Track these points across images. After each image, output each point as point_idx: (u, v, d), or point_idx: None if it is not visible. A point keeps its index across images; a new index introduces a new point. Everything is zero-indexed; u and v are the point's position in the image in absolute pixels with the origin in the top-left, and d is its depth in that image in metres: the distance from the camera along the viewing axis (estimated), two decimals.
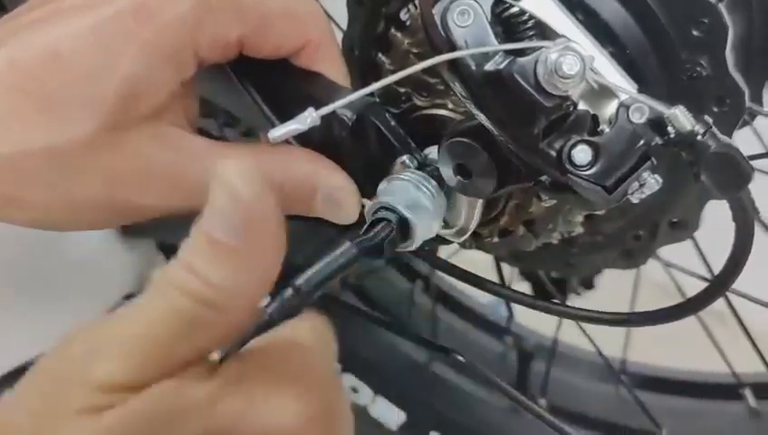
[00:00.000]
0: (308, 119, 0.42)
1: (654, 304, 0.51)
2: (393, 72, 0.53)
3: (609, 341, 0.85)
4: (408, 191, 0.47)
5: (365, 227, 0.46)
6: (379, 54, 0.56)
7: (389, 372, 0.88)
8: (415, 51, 0.53)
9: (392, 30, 0.54)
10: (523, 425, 0.82)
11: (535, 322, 0.95)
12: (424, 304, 0.94)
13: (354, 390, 0.88)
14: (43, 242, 0.86)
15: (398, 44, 0.54)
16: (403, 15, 0.54)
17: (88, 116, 0.45)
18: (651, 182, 0.40)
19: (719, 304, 0.70)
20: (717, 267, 0.45)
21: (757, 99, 0.55)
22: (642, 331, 0.81)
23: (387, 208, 0.46)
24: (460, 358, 0.58)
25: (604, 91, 0.41)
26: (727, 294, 0.69)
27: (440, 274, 0.94)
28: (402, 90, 0.53)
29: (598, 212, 0.54)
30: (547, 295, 0.93)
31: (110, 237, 0.85)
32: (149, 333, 0.35)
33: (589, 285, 0.99)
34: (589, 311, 0.47)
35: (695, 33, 0.46)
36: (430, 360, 0.87)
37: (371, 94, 0.54)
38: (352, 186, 0.50)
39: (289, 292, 0.43)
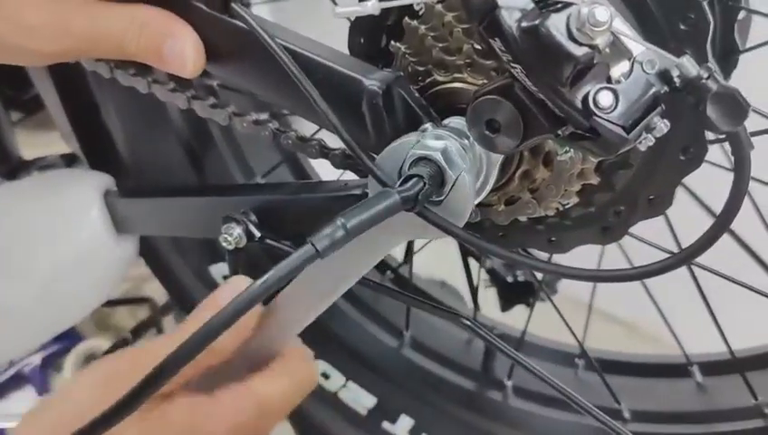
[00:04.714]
0: (369, 5, 0.49)
1: None
2: (411, 55, 0.61)
3: (567, 335, 0.92)
4: (442, 145, 0.53)
5: (401, 180, 0.52)
6: (392, 42, 0.62)
7: (360, 357, 0.92)
8: (432, 34, 0.59)
9: (406, 19, 0.61)
10: (490, 407, 0.88)
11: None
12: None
13: (325, 376, 0.92)
14: (33, 242, 0.88)
15: (412, 31, 0.60)
16: (416, 6, 0.61)
17: None
18: (661, 126, 0.47)
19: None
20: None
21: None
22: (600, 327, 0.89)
23: (423, 159, 0.52)
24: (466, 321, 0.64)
25: (616, 51, 0.48)
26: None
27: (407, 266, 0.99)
28: (422, 69, 0.60)
29: (592, 182, 0.61)
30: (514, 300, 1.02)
31: (97, 239, 0.87)
32: None
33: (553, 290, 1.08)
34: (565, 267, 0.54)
35: (682, 26, 0.55)
36: (401, 345, 0.92)
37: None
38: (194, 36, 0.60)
39: (337, 224, 0.49)
